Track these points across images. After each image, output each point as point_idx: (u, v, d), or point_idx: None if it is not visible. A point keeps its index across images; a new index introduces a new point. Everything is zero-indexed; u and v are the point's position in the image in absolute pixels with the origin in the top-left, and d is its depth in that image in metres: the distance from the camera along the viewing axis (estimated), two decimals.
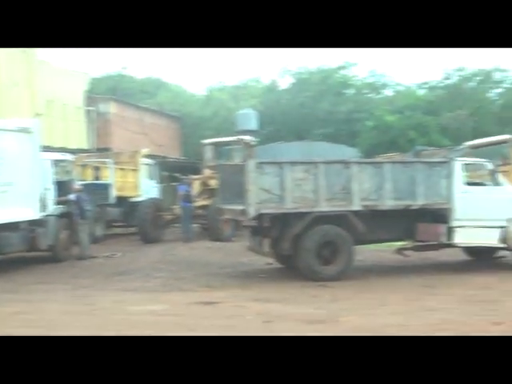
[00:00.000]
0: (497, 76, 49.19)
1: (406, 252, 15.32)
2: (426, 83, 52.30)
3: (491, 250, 16.13)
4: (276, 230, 13.77)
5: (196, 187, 22.16)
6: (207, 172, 22.14)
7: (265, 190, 13.19)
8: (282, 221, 13.66)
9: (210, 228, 20.88)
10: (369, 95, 50.82)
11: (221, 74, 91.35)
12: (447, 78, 49.17)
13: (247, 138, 23.38)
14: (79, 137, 34.18)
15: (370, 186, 13.81)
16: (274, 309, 10.47)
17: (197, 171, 24.24)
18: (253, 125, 38.15)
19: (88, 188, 19.25)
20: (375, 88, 51.72)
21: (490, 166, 15.01)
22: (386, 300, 11.35)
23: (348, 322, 9.29)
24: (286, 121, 47.09)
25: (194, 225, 22.27)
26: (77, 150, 28.01)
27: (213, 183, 20.33)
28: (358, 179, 13.67)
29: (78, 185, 18.08)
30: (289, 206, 13.33)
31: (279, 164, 13.49)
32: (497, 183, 14.80)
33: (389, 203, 13.92)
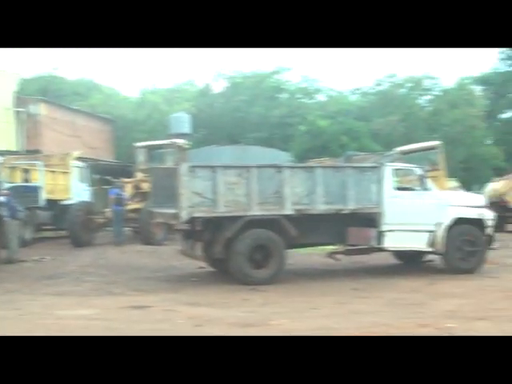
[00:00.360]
0: (426, 83, 50.39)
1: (338, 256, 15.51)
2: (358, 89, 53.18)
3: (420, 254, 16.49)
4: (208, 234, 13.75)
5: (128, 190, 21.96)
6: (140, 175, 21.97)
7: (197, 194, 13.14)
8: (215, 224, 13.64)
9: (142, 231, 20.71)
10: (302, 100, 51.29)
11: (154, 76, 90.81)
12: (378, 85, 50.11)
13: (180, 141, 23.33)
14: (8, 138, 33.32)
15: (302, 191, 13.91)
16: (205, 313, 10.43)
17: (129, 174, 24.01)
18: (186, 128, 38.02)
19: (17, 190, 18.81)
20: (308, 93, 52.23)
21: (419, 171, 15.31)
22: (317, 303, 11.42)
23: (279, 325, 9.32)
24: (220, 124, 47.10)
25: (126, 228, 22.04)
26: (5, 151, 27.28)
27: (145, 186, 20.18)
28: (290, 184, 13.76)
29: (5, 188, 17.62)
30: (221, 210, 13.31)
31: (212, 168, 13.46)
32: (425, 188, 15.12)
33: (320, 207, 14.05)
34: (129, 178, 23.17)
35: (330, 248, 15.86)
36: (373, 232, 14.68)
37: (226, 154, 33.86)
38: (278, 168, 13.97)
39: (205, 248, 14.41)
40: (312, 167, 14.78)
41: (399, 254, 16.68)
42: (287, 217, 13.82)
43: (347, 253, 15.47)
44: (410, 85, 49.39)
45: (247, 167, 13.69)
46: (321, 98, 53.27)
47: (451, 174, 28.29)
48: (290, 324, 9.39)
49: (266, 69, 52.04)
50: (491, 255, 16.19)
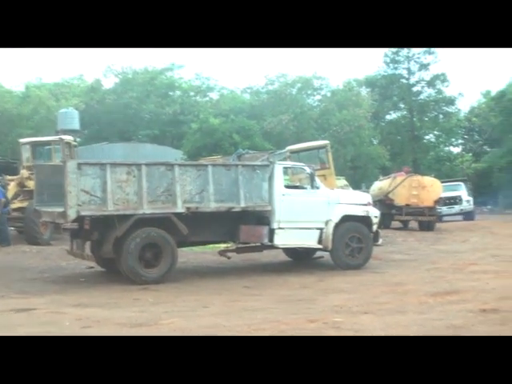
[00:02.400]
0: (316, 83, 51.49)
1: (229, 254, 15.52)
2: (250, 88, 53.71)
3: (310, 251, 16.76)
4: (97, 233, 13.43)
5: (12, 188, 21.12)
6: (25, 173, 21.18)
7: (85, 192, 12.80)
8: (104, 223, 13.34)
9: (27, 231, 20.00)
10: (195, 98, 51.27)
11: (40, 69, 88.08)
12: (270, 84, 50.77)
13: (68, 137, 22.74)
14: None
15: (193, 189, 13.83)
16: (94, 314, 10.16)
17: (15, 171, 23.13)
18: (75, 124, 37.05)
19: None
20: (201, 91, 52.29)
21: (308, 169, 15.54)
22: (209, 301, 11.38)
23: (170, 324, 9.23)
24: (111, 121, 46.36)
25: (11, 228, 21.20)
26: None
27: (31, 184, 19.48)
28: (181, 181, 13.64)
29: None
30: (110, 208, 13.02)
31: (101, 165, 13.14)
32: (315, 186, 15.37)
33: (212, 205, 14.00)
34: (14, 175, 22.30)
35: (222, 246, 15.87)
36: (264, 230, 14.77)
37: (116, 151, 33.41)
38: (169, 166, 13.83)
39: (94, 247, 14.12)
40: (203, 165, 14.71)
41: (290, 251, 16.88)
42: (178, 215, 13.70)
43: (239, 251, 15.53)
44: (300, 85, 50.31)
45: (137, 165, 13.48)
46: (214, 96, 53.48)
47: (340, 173, 29.12)
48: (180, 323, 9.31)
49: (159, 65, 51.65)
50: (377, 251, 16.69)
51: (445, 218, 33.70)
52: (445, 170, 52.67)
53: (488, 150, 59.22)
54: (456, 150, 62.84)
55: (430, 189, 27.41)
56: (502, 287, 12.14)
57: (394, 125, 55.91)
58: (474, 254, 18.56)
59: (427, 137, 58.45)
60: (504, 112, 51.11)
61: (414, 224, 28.55)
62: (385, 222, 23.53)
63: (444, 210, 33.57)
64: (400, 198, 27.02)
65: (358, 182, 42.25)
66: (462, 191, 35.29)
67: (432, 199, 27.25)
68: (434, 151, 57.75)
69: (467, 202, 34.78)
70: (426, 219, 27.32)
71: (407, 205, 27.07)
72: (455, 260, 17.07)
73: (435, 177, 31.86)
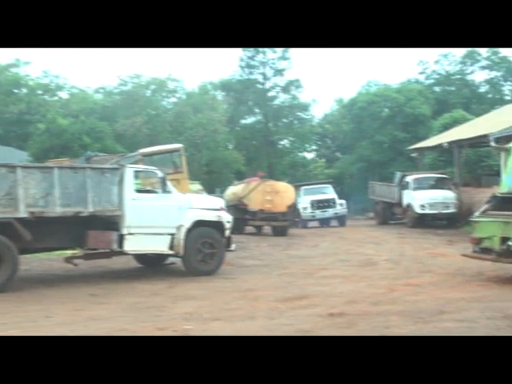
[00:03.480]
0: (171, 85, 51.23)
1: (76, 261, 14.94)
2: (102, 88, 52.53)
3: (161, 257, 16.48)
4: None
5: None
6: None
7: None
8: None
9: None
10: (43, 96, 49.43)
11: None
12: (123, 84, 49.87)
13: None
14: None
15: (37, 192, 13.18)
16: None
17: None
18: None
19: None
20: (49, 89, 50.50)
21: (160, 173, 15.24)
22: (53, 311, 10.88)
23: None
24: None
25: None
26: None
27: None
28: (24, 184, 12.95)
29: None
30: None
31: None
32: (166, 191, 15.10)
33: (57, 210, 13.41)
34: None
35: (69, 252, 15.25)
36: (113, 235, 14.33)
37: None
38: (11, 167, 13.10)
39: None
40: (48, 167, 14.08)
41: (141, 257, 16.55)
42: (20, 220, 12.99)
43: (86, 257, 14.99)
44: (154, 86, 49.85)
45: None
46: (63, 95, 51.88)
47: (194, 177, 28.98)
48: (20, 335, 8.72)
49: (2, 61, 49.38)
50: (229, 257, 16.67)
51: (314, 224, 33.84)
52: (299, 176, 53.98)
53: (340, 156, 61.40)
54: (310, 155, 64.78)
55: (283, 194, 27.77)
56: (349, 291, 12.46)
57: (250, 130, 56.57)
58: (325, 258, 18.99)
59: (282, 142, 59.73)
60: (355, 120, 53.19)
61: (267, 229, 28.88)
62: (238, 227, 23.59)
63: (317, 213, 33.72)
64: (254, 203, 27.19)
65: (213, 186, 42.38)
66: (333, 194, 34.90)
67: (285, 204, 27.63)
68: (289, 157, 59.06)
69: (340, 205, 34.42)
70: (280, 224, 27.64)
71: (261, 210, 27.26)
72: (306, 265, 17.37)
73: (289, 182, 32.31)
